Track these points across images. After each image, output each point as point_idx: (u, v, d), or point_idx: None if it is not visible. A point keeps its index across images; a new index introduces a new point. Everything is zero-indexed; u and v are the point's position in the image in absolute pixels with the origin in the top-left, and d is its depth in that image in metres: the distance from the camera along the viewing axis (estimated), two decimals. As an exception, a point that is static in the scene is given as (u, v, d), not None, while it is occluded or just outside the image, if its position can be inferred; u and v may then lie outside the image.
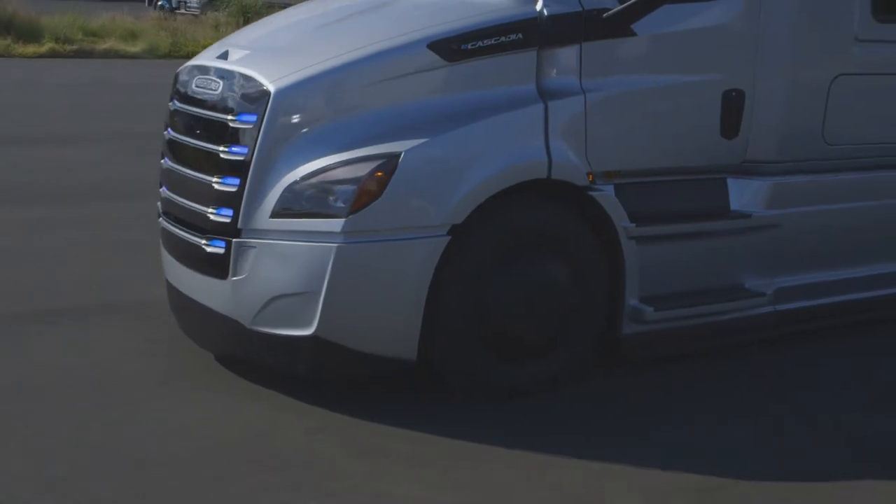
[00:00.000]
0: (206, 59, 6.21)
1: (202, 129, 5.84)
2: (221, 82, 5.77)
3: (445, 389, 5.58)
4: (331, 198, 5.32)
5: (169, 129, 6.23)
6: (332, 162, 5.34)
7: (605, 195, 5.78)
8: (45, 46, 24.49)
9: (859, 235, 6.80)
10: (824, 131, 6.56)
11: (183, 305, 6.08)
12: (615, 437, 5.28)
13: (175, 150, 6.11)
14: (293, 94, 5.45)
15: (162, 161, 6.29)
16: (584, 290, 5.77)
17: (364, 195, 5.24)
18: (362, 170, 5.28)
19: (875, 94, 6.74)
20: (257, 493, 4.55)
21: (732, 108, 6.21)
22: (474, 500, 4.57)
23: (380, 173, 5.26)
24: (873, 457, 5.14)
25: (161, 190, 6.27)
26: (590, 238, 5.80)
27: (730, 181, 6.38)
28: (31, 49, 24.33)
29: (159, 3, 41.89)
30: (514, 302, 5.56)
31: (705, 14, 6.08)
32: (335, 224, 5.25)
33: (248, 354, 5.67)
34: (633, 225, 5.85)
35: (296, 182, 5.36)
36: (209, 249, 5.63)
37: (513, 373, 5.66)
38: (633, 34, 5.85)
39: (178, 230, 5.98)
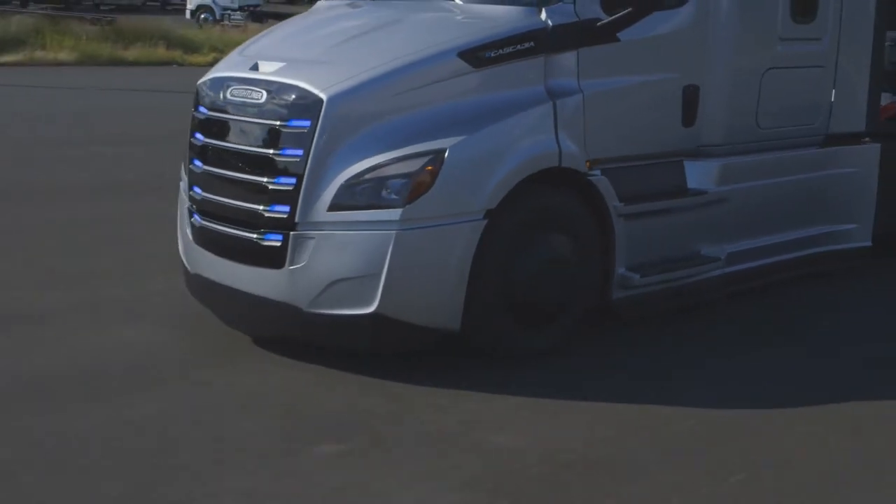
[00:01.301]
0: (235, 70, 6.79)
1: (247, 135, 6.47)
2: (264, 92, 6.38)
3: (479, 354, 6.39)
4: (385, 191, 6.05)
5: (198, 135, 6.78)
6: (384, 160, 6.07)
7: (601, 179, 6.73)
8: (209, 56, 28.32)
9: (790, 204, 7.99)
10: (758, 117, 7.70)
11: (224, 296, 6.66)
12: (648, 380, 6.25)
13: (212, 155, 6.67)
14: (343, 100, 6.15)
15: (192, 165, 6.84)
16: (585, 261, 6.70)
17: (418, 187, 6.01)
18: (414, 165, 6.04)
19: (795, 84, 7.94)
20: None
21: (690, 100, 7.27)
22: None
23: (430, 167, 6.04)
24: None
25: (193, 191, 6.82)
26: (588, 217, 6.72)
27: (686, 163, 7.42)
28: (199, 59, 29.11)
29: (202, 15, 42.14)
30: (535, 273, 6.43)
31: (668, 22, 7.08)
32: (393, 214, 6.00)
33: (305, 335, 6.32)
34: (622, 204, 6.82)
35: (351, 178, 6.07)
36: (265, 243, 6.27)
37: (533, 337, 6.54)
38: (618, 40, 6.81)
39: (221, 227, 6.57)
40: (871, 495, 4.96)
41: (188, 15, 45.87)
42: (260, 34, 7.56)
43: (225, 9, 43.38)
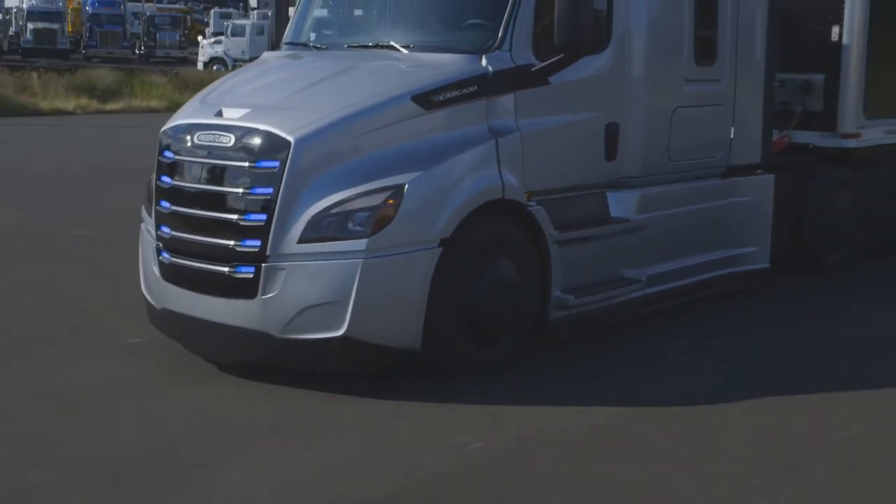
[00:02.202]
0: (199, 117, 7.28)
1: (217, 176, 6.99)
2: (232, 136, 6.92)
3: (437, 370, 6.98)
4: (351, 223, 6.64)
5: (164, 178, 7.26)
6: (349, 195, 6.66)
7: (538, 209, 7.42)
8: None
9: (699, 230, 8.82)
10: (669, 151, 8.51)
11: (195, 328, 7.12)
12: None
13: (181, 196, 7.15)
14: (309, 142, 6.73)
15: (159, 206, 7.30)
16: (527, 284, 7.37)
17: (381, 219, 6.62)
18: (377, 199, 6.64)
19: (699, 121, 8.79)
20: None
21: (611, 137, 8.05)
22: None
23: (391, 201, 6.65)
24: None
25: (161, 231, 7.27)
26: (528, 243, 7.40)
27: (608, 194, 8.17)
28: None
29: (215, 67, 43.68)
30: (486, 295, 7.07)
31: (591, 66, 7.83)
32: (359, 244, 6.58)
33: (276, 360, 6.82)
34: (557, 232, 7.52)
35: (319, 213, 6.64)
36: (237, 275, 6.79)
37: (485, 353, 7.16)
38: (549, 84, 7.54)
39: (191, 263, 7.05)
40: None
41: (200, 66, 46.51)
42: (215, 84, 8.04)
43: (236, 60, 43.80)
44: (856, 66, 10.31)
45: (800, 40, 10.18)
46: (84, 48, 48.66)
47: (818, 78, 10.36)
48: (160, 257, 7.32)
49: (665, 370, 7.42)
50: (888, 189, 11.16)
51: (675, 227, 8.59)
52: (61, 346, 7.75)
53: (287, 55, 8.37)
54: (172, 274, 7.25)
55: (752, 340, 8.14)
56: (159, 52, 51.02)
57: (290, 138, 6.70)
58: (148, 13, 53.92)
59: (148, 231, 7.60)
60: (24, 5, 50.36)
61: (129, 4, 54.40)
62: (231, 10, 61.87)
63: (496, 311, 7.15)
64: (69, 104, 28.40)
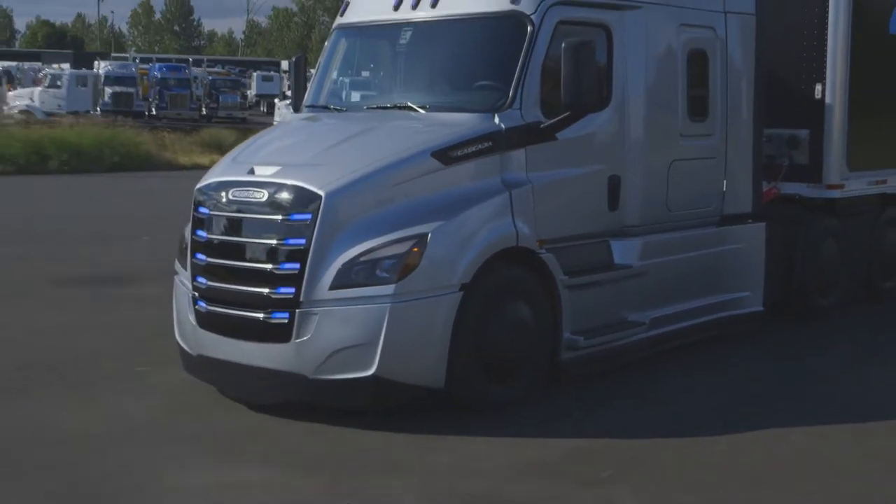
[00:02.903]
0: (232, 175, 7.81)
1: (252, 229, 7.51)
2: (266, 192, 7.46)
3: (459, 406, 7.47)
4: (379, 270, 7.16)
5: (200, 233, 7.78)
6: (376, 244, 7.19)
7: (549, 256, 7.96)
8: None
9: (697, 275, 9.36)
10: (667, 201, 9.07)
11: (231, 371, 7.60)
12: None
13: (216, 248, 7.68)
14: (339, 196, 7.27)
15: (195, 259, 7.81)
16: (540, 326, 7.88)
17: (407, 266, 7.14)
18: (403, 247, 7.18)
19: (694, 173, 9.37)
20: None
21: (614, 188, 8.60)
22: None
23: (416, 249, 7.18)
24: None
25: (197, 281, 7.77)
26: (540, 288, 7.92)
27: (612, 242, 8.72)
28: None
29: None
30: (502, 336, 7.57)
31: (594, 123, 8.41)
32: (387, 289, 7.10)
33: (310, 399, 7.31)
34: (567, 277, 8.05)
35: (349, 261, 7.17)
36: (272, 321, 7.29)
37: (502, 390, 7.65)
38: (556, 139, 8.12)
39: (228, 310, 7.54)
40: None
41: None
42: (243, 144, 8.58)
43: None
44: (838, 122, 10.92)
45: (785, 97, 10.79)
46: (155, 110, 51.07)
47: (803, 133, 10.99)
48: (196, 306, 7.81)
49: (663, 403, 7.93)
50: (870, 237, 11.77)
51: (675, 272, 9.12)
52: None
53: (309, 117, 8.95)
54: (209, 321, 7.73)
55: (746, 377, 8.68)
56: (221, 113, 53.55)
57: (322, 192, 7.24)
58: (210, 78, 57.10)
59: (182, 283, 8.10)
60: (101, 71, 53.50)
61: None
62: (272, 73, 66.85)
63: (512, 352, 7.66)
64: (204, 159, 29.63)
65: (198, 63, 63.96)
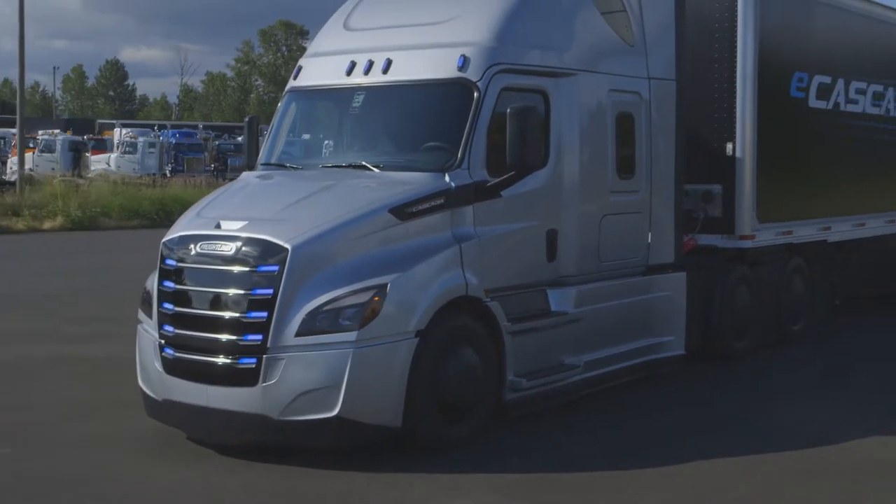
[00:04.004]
0: (200, 229, 8.29)
1: (220, 280, 7.98)
2: (233, 244, 7.95)
3: (414, 445, 8.01)
4: (342, 318, 7.69)
5: (167, 283, 8.23)
6: (340, 293, 7.73)
7: (494, 304, 8.58)
8: None
9: (626, 321, 10.07)
10: (599, 253, 9.78)
11: (198, 415, 8.03)
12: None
13: (183, 298, 8.13)
14: (305, 249, 7.80)
15: (162, 308, 8.25)
16: (487, 369, 8.48)
17: (369, 315, 7.69)
18: (364, 297, 7.73)
19: (623, 226, 10.09)
20: None
21: (552, 241, 9.28)
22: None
23: (377, 298, 7.74)
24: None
25: (164, 330, 8.21)
26: (487, 334, 8.53)
27: (549, 291, 9.38)
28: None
29: None
30: (454, 378, 8.15)
31: (533, 181, 9.05)
32: (350, 336, 7.64)
33: (276, 439, 7.78)
34: (510, 324, 8.67)
35: (314, 309, 7.69)
36: (240, 366, 7.77)
37: (455, 430, 8.21)
38: (501, 196, 8.77)
39: (195, 357, 8.00)
40: None
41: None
42: (205, 199, 9.04)
43: None
44: (748, 177, 11.83)
45: (700, 155, 11.62)
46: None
47: (717, 188, 11.85)
48: (164, 353, 8.23)
49: (601, 437, 8.61)
50: (779, 285, 12.66)
51: (606, 319, 9.81)
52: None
53: (266, 175, 9.49)
54: (176, 368, 8.16)
55: (671, 414, 9.40)
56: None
57: (288, 246, 7.77)
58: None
59: (146, 331, 8.53)
60: (170, 138, 57.86)
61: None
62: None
63: (463, 393, 8.24)
64: None
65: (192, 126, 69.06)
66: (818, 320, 13.64)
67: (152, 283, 8.55)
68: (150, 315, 8.49)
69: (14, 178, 41.33)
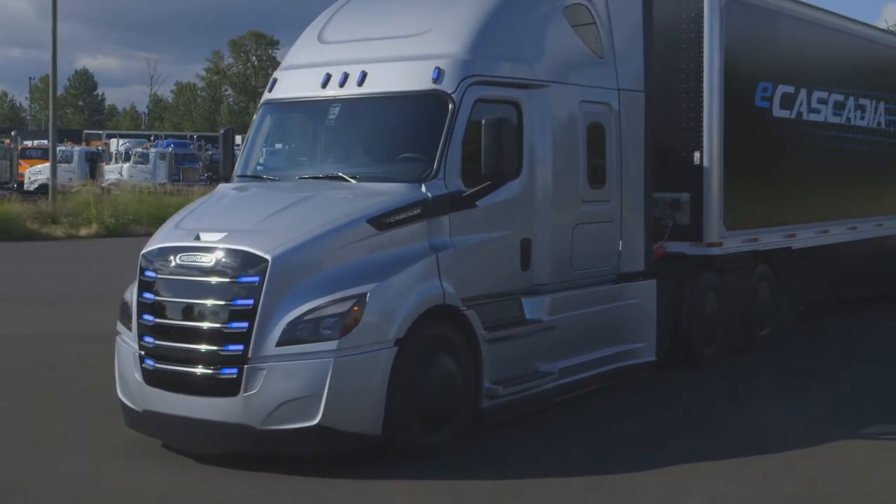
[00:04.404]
0: (179, 240, 8.36)
1: (200, 291, 8.05)
2: (213, 256, 8.03)
3: (396, 453, 8.11)
4: (322, 327, 7.78)
5: (147, 294, 8.30)
6: (320, 303, 7.82)
7: (470, 313, 8.69)
8: None
9: (598, 328, 10.23)
10: (572, 261, 9.93)
11: (178, 425, 8.10)
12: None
13: (163, 309, 8.20)
14: (284, 259, 7.90)
15: (141, 319, 8.31)
16: (464, 377, 8.59)
17: (349, 324, 7.79)
18: (344, 306, 7.83)
19: (594, 235, 10.26)
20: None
21: (525, 250, 9.42)
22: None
23: (356, 307, 7.84)
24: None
25: (144, 341, 8.26)
26: (464, 342, 8.65)
27: (523, 299, 9.51)
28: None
29: None
30: (432, 386, 8.25)
31: (507, 190, 9.18)
32: (331, 345, 7.74)
33: (257, 448, 7.86)
34: (486, 332, 8.80)
35: (294, 319, 7.78)
36: (221, 376, 7.84)
37: (433, 437, 8.32)
38: (476, 206, 8.90)
39: (176, 367, 8.06)
40: None
41: None
42: (183, 211, 9.11)
43: None
44: (716, 185, 12.04)
45: (668, 164, 11.80)
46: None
47: (684, 196, 12.05)
48: (144, 364, 8.28)
49: (579, 443, 8.76)
50: (745, 291, 12.88)
51: (579, 326, 9.97)
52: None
53: (243, 186, 9.56)
54: (156, 378, 8.22)
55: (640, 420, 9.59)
56: None
57: (268, 257, 7.86)
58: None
59: (125, 342, 8.58)
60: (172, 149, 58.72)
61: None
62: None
63: (441, 400, 8.35)
64: None
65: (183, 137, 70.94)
66: (783, 326, 13.87)
67: (131, 294, 8.60)
68: (129, 327, 8.54)
69: (32, 188, 47.19)
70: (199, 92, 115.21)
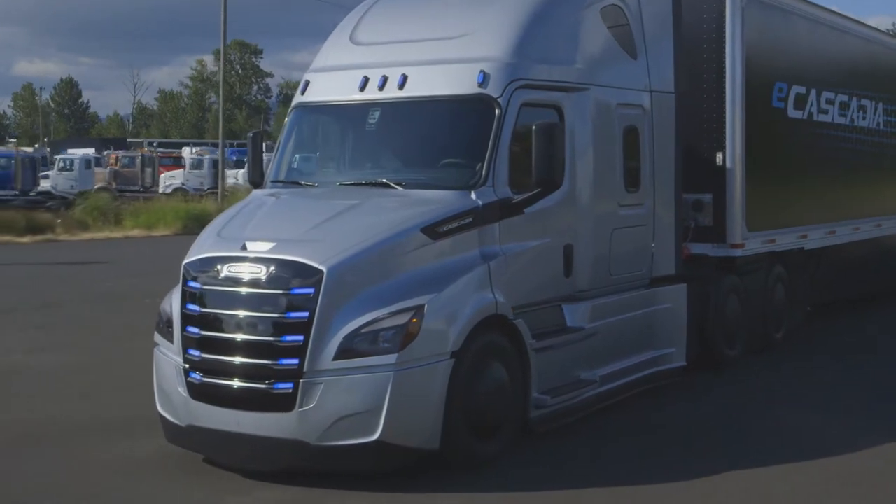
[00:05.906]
0: (224, 251, 8.07)
1: (251, 303, 7.79)
2: (264, 267, 7.77)
3: (448, 466, 7.92)
4: (381, 340, 7.57)
5: (191, 307, 8.03)
6: (377, 315, 7.61)
7: (520, 322, 8.52)
8: None
9: (634, 334, 10.12)
10: (610, 266, 9.79)
11: (226, 441, 7.85)
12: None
13: (212, 322, 7.93)
14: (340, 270, 7.67)
15: (186, 332, 8.04)
16: (514, 386, 8.42)
17: (408, 336, 7.58)
18: (403, 318, 7.61)
19: (630, 239, 10.13)
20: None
21: (568, 257, 9.26)
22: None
23: (415, 319, 7.63)
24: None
25: (189, 354, 7.99)
26: (513, 352, 8.47)
27: (564, 307, 9.36)
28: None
29: None
30: (486, 397, 8.08)
31: (552, 198, 8.99)
32: (390, 358, 7.52)
33: (312, 465, 7.63)
34: (535, 341, 8.63)
35: (352, 332, 7.56)
36: (275, 391, 7.60)
37: (486, 447, 8.14)
38: (524, 213, 8.73)
39: (225, 382, 7.81)
40: None
41: None
42: (222, 219, 8.82)
43: None
44: (738, 186, 11.96)
45: (690, 164, 11.67)
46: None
47: (707, 197, 11.95)
48: (189, 378, 8.01)
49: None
50: (763, 293, 12.82)
51: (617, 332, 9.84)
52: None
53: (281, 192, 9.27)
54: (203, 393, 7.95)
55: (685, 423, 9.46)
56: None
57: (323, 268, 7.62)
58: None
59: (165, 354, 8.30)
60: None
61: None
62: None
63: (494, 411, 8.17)
64: None
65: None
66: (795, 327, 13.85)
67: (170, 305, 8.34)
68: (169, 339, 8.26)
69: (168, 191, 51.72)
70: (185, 99, 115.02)
